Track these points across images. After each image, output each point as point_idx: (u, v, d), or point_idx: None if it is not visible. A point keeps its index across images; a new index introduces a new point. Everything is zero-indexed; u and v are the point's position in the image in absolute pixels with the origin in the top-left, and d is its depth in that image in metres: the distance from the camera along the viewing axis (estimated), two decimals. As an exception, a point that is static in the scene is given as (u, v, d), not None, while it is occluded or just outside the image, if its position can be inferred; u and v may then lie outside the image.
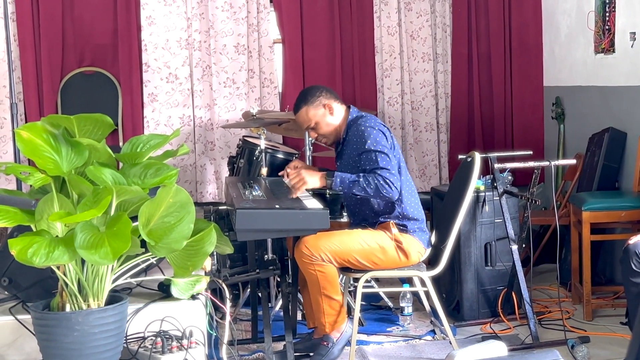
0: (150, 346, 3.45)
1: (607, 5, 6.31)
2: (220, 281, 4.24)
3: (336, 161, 4.99)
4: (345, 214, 5.71)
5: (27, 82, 6.73)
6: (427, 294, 5.07)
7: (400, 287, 5.61)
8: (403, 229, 4.74)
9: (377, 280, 5.94)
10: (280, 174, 5.00)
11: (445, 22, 7.47)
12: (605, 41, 6.30)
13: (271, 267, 4.95)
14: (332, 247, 4.55)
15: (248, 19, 7.07)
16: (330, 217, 4.43)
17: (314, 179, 4.65)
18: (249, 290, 5.44)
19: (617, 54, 6.17)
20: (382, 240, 4.68)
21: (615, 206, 5.53)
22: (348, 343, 4.73)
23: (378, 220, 4.77)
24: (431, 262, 5.05)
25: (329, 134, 4.89)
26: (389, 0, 7.30)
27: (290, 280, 4.87)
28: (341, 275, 5.11)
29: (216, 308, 4.05)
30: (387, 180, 4.55)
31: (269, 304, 5.44)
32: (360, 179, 4.57)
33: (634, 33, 5.89)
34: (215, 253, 4.58)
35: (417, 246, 4.76)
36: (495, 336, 5.16)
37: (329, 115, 4.82)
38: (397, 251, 4.69)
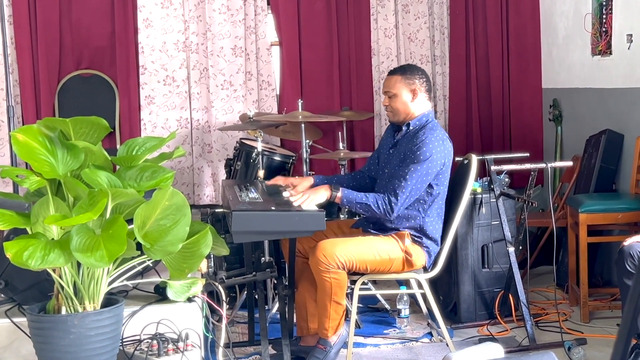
0: (146, 349, 3.45)
1: (604, 7, 6.32)
2: (216, 283, 4.24)
3: (390, 147, 4.95)
4: (342, 216, 5.72)
5: (24, 84, 6.73)
6: (424, 296, 5.08)
7: (397, 290, 5.61)
8: (418, 240, 4.74)
9: (374, 282, 5.94)
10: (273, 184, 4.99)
11: (443, 25, 7.47)
12: (602, 43, 6.31)
13: (268, 270, 4.95)
14: (348, 256, 4.56)
15: (245, 21, 7.07)
16: (327, 219, 4.43)
17: (318, 196, 4.66)
18: (245, 292, 5.44)
19: (614, 56, 6.17)
20: (393, 251, 4.68)
21: (612, 208, 5.53)
22: (344, 345, 4.74)
23: (397, 228, 4.77)
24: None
25: (397, 112, 4.87)
26: (386, 2, 7.30)
27: (287, 283, 4.87)
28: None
29: (213, 310, 4.05)
30: (393, 204, 4.60)
31: (266, 307, 5.44)
32: (370, 202, 4.62)
33: (631, 35, 5.89)
34: (211, 255, 4.58)
35: (423, 260, 4.76)
36: (492, 338, 5.17)
37: (411, 99, 4.82)
38: (404, 263, 4.70)
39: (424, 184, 4.66)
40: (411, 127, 4.82)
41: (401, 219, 4.75)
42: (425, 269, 4.83)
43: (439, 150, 4.67)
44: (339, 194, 4.67)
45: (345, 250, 4.57)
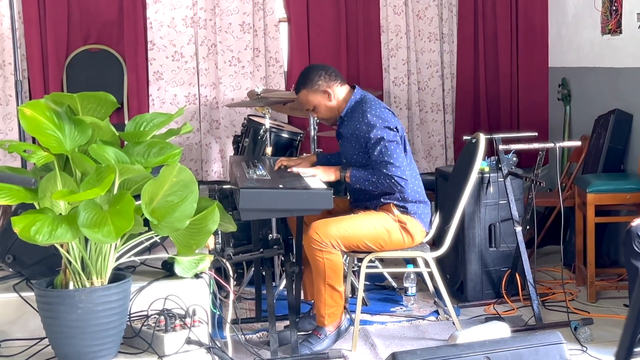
0: (153, 324, 3.46)
1: (615, -14, 6.28)
2: (224, 260, 4.25)
3: (337, 139, 5.00)
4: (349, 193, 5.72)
5: (32, 59, 6.71)
6: (430, 274, 5.08)
7: (404, 268, 5.62)
8: (403, 210, 4.75)
9: (381, 260, 5.94)
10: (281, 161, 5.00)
11: (451, 2, 7.42)
12: (612, 22, 6.27)
13: (275, 247, 4.95)
14: (342, 234, 4.56)
15: (254, -3, 7.05)
16: (334, 197, 4.44)
17: (328, 173, 4.72)
18: (253, 269, 5.45)
19: (624, 35, 6.14)
20: (387, 223, 4.70)
21: (620, 188, 5.51)
22: (345, 330, 4.78)
23: (380, 202, 4.78)
24: (435, 242, 5.06)
25: (328, 117, 4.95)
26: (396, -21, 7.27)
27: (294, 260, 4.88)
28: (345, 256, 5.12)
29: (220, 287, 4.06)
30: (396, 179, 4.60)
31: (273, 283, 5.45)
32: (374, 179, 4.64)
33: (641, 14, 5.87)
34: (219, 232, 4.59)
35: (419, 227, 4.77)
36: (498, 317, 5.16)
37: (327, 100, 4.85)
38: (402, 232, 4.71)
39: (402, 150, 4.70)
40: (345, 115, 4.86)
41: (382, 194, 4.77)
42: (432, 247, 4.83)
43: (384, 118, 4.70)
44: (348, 173, 4.69)
45: (338, 227, 4.58)
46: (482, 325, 4.82)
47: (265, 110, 5.70)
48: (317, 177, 4.66)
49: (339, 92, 4.86)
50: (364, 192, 4.83)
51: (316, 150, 5.81)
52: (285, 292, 4.99)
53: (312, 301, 4.95)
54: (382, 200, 4.77)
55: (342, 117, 4.87)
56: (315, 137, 5.87)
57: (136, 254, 3.51)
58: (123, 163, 3.30)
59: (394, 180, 4.60)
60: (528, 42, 7.46)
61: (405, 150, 4.76)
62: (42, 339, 3.52)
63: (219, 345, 3.72)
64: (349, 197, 5.18)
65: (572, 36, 7.03)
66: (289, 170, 4.83)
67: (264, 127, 5.74)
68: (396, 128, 4.71)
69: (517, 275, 5.44)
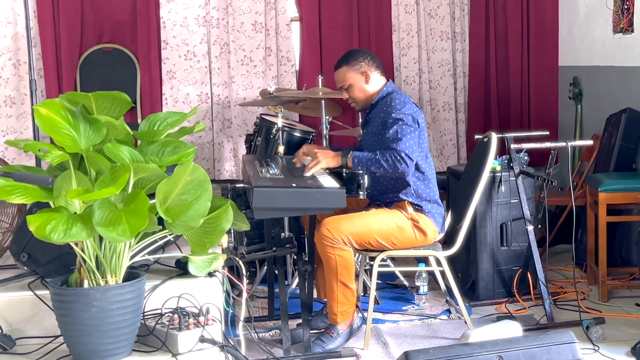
0: (167, 322, 3.48)
1: (627, -15, 6.28)
2: (237, 259, 4.27)
3: (362, 128, 5.04)
4: (361, 192, 5.72)
5: (46, 58, 6.74)
6: (442, 273, 5.09)
7: (416, 267, 5.63)
8: (418, 208, 4.76)
9: (392, 259, 5.95)
10: (294, 161, 5.00)
11: (463, 1, 7.43)
12: (624, 21, 6.26)
13: (288, 245, 4.96)
14: (353, 230, 4.57)
15: (266, -4, 7.07)
16: (347, 195, 4.45)
17: (329, 159, 4.68)
18: (265, 267, 5.46)
19: (635, 34, 6.13)
20: (400, 220, 4.71)
21: (632, 187, 5.50)
22: (357, 329, 4.79)
23: (395, 198, 4.79)
24: (447, 241, 5.07)
25: (359, 100, 4.95)
26: (407, -22, 7.28)
27: (306, 258, 4.89)
28: (357, 254, 5.13)
29: (233, 285, 4.08)
30: (403, 155, 4.56)
31: (286, 282, 5.47)
32: (378, 156, 4.60)
33: (654, 13, 5.86)
34: (232, 231, 4.60)
35: (432, 226, 4.78)
36: (510, 316, 5.17)
37: (364, 82, 4.88)
38: (414, 230, 4.72)
39: (417, 137, 4.69)
40: (375, 102, 4.90)
41: (397, 189, 4.78)
42: (444, 245, 4.84)
43: (410, 106, 4.74)
44: (350, 157, 4.68)
45: (350, 224, 4.59)
46: (494, 324, 4.83)
47: (277, 109, 5.72)
48: (322, 164, 4.66)
49: (376, 79, 4.91)
50: (378, 185, 4.84)
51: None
52: (298, 291, 5.01)
53: (325, 300, 4.97)
54: (399, 195, 4.78)
55: (372, 105, 4.90)
56: (327, 136, 5.89)
57: (150, 253, 3.53)
58: (137, 162, 3.32)
59: (399, 156, 4.55)
60: (539, 41, 7.46)
61: (422, 149, 4.77)
62: (57, 337, 3.54)
63: (232, 344, 3.73)
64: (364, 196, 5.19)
65: (583, 35, 7.03)
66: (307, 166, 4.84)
67: (276, 126, 5.76)
68: (418, 122, 4.72)
69: (528, 274, 5.44)
